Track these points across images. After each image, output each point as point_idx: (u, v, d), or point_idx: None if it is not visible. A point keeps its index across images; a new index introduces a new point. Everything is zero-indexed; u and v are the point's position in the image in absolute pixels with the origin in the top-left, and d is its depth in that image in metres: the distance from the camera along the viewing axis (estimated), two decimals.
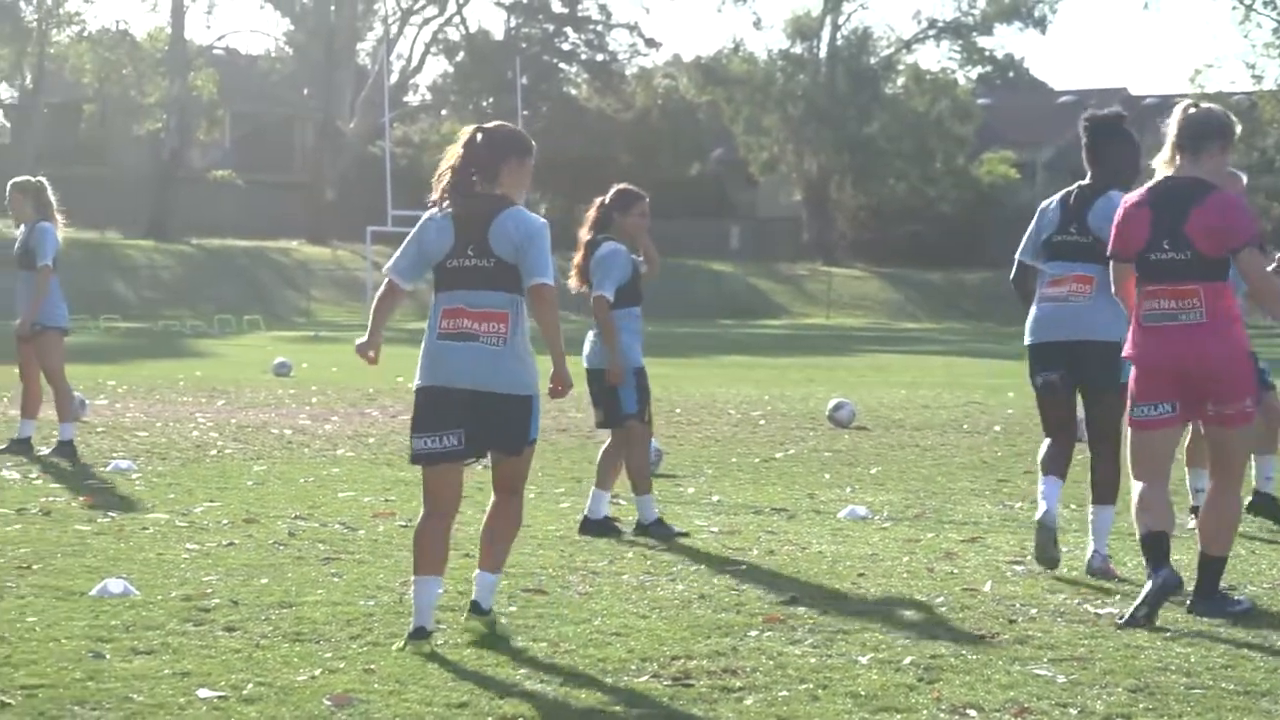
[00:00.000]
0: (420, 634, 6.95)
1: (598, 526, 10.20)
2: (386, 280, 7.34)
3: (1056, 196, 9.17)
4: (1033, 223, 9.14)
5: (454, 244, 7.15)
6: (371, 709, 5.98)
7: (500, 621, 7.24)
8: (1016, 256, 9.17)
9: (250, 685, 6.24)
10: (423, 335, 7.24)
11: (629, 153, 74.34)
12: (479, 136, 7.30)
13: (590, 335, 10.42)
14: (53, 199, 14.09)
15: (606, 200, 10.43)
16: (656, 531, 10.10)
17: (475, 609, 7.17)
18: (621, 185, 10.70)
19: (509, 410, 7.09)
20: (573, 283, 10.41)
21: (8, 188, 14.19)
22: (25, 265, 13.94)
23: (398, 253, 7.28)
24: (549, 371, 7.20)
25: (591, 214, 10.43)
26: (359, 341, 7.43)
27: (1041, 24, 78.80)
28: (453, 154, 7.30)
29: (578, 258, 10.36)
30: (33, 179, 14.30)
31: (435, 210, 7.26)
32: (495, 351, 7.06)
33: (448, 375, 7.08)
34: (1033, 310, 9.07)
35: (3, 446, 14.04)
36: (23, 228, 14.09)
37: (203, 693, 6.12)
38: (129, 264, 60.01)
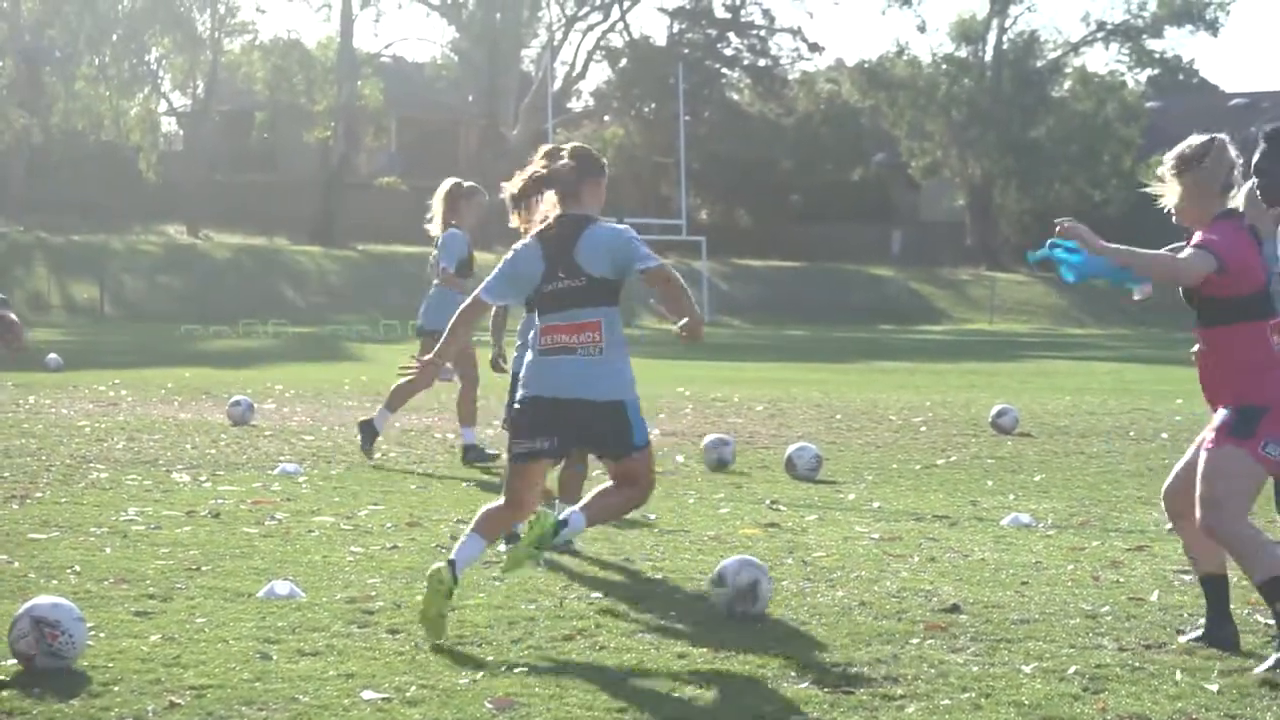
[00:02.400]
0: (452, 566, 7.26)
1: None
2: (475, 299, 7.73)
3: None
4: None
5: (545, 269, 7.55)
6: (532, 712, 6.01)
7: (536, 555, 7.42)
8: None
9: (413, 688, 6.31)
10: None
11: (791, 157, 74.18)
12: (561, 157, 7.70)
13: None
14: (470, 206, 14.33)
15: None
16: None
17: (543, 522, 7.34)
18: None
19: (605, 416, 7.45)
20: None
21: (442, 193, 14.41)
22: (461, 274, 14.31)
23: (490, 277, 7.70)
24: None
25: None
26: (425, 357, 7.92)
27: (1213, 26, 77.45)
28: (528, 174, 7.76)
29: None
30: (463, 183, 14.54)
31: (526, 239, 7.69)
32: (590, 361, 7.46)
33: (547, 388, 7.47)
34: None
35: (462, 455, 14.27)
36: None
37: (367, 694, 6.19)
38: (297, 269, 60.90)
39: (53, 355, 27.46)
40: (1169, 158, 7.43)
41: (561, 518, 7.42)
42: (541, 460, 7.55)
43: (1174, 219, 7.51)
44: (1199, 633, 7.36)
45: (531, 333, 7.77)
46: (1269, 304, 7.23)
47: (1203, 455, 7.15)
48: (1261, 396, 7.07)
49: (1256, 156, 8.15)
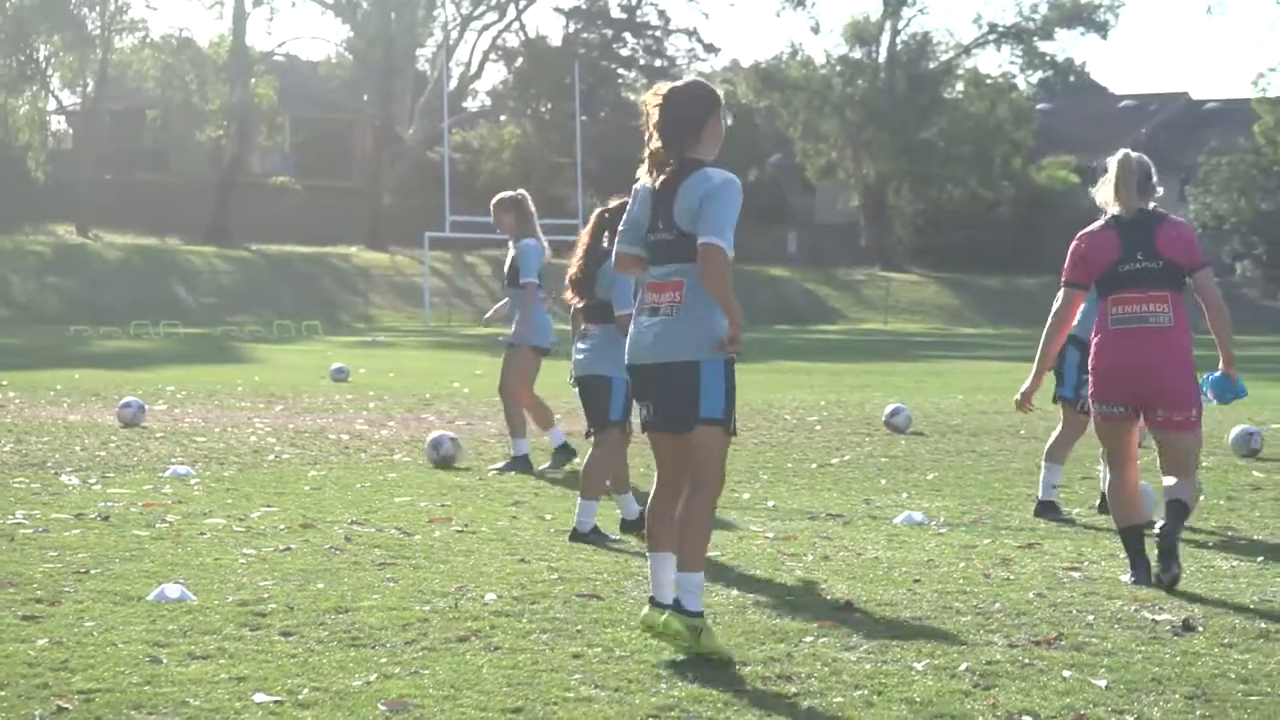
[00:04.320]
0: (654, 603, 6.98)
1: (586, 538, 10.10)
2: (617, 252, 7.26)
3: None
4: None
5: (650, 217, 7.09)
6: (426, 714, 5.99)
7: (707, 630, 6.85)
8: None
9: (306, 690, 6.27)
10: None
11: None
12: (696, 97, 7.09)
13: (578, 344, 10.41)
14: (533, 211, 14.14)
15: (608, 210, 10.24)
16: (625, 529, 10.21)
17: (676, 607, 6.86)
18: (624, 198, 10.59)
19: (673, 380, 6.97)
20: (568, 295, 10.29)
21: (492, 203, 14.23)
22: (512, 282, 14.11)
23: (621, 226, 7.24)
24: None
25: (593, 221, 10.34)
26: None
27: (1103, 29, 78.42)
28: (654, 118, 7.06)
29: (575, 269, 10.18)
30: (515, 193, 14.29)
31: (642, 179, 7.18)
32: (669, 322, 6.99)
33: (635, 353, 7.11)
34: None
35: (502, 465, 13.92)
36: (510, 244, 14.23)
37: (258, 697, 6.15)
38: (190, 269, 60.39)
39: None
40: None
41: (687, 607, 6.81)
42: (654, 431, 7.11)
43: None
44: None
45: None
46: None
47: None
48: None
49: None
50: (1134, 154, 8.95)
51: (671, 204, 7.00)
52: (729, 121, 7.22)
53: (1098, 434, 9.14)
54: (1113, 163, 8.96)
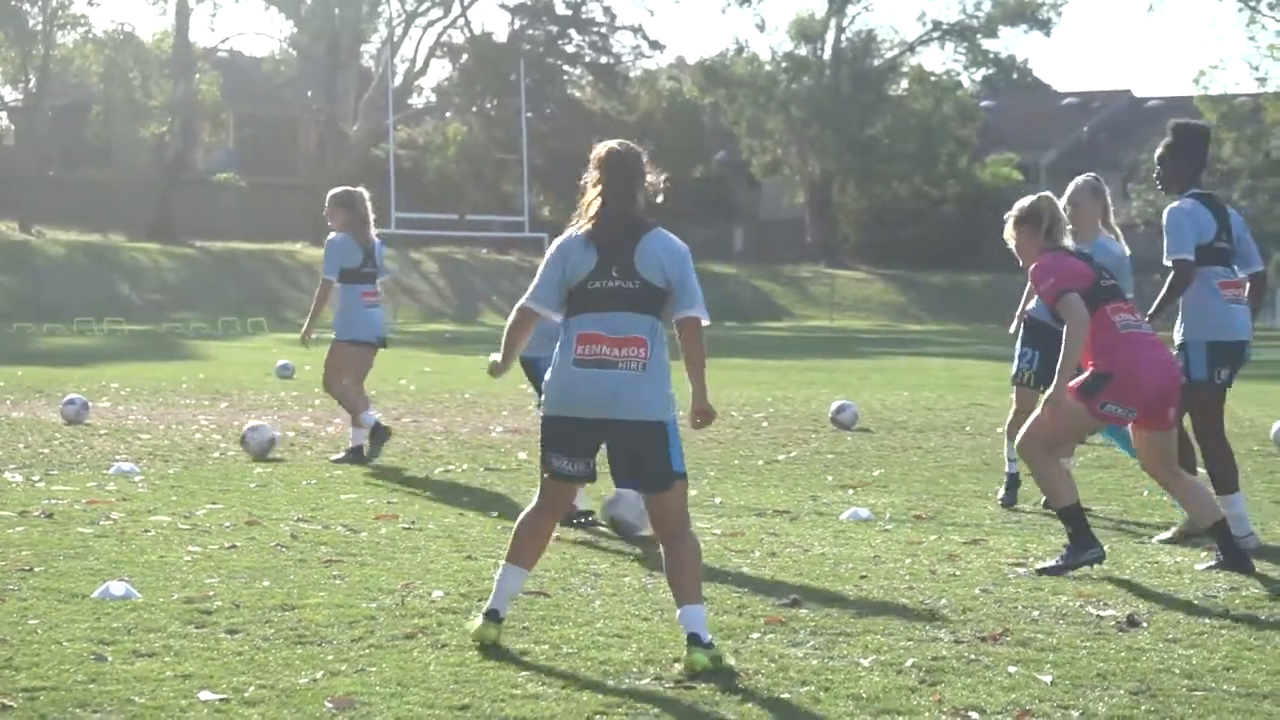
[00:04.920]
0: (493, 617, 7.03)
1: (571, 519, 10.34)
2: (522, 309, 7.10)
3: (1194, 202, 10.14)
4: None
5: (596, 265, 6.95)
6: (373, 711, 5.98)
7: (726, 658, 6.73)
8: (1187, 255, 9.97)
9: (252, 688, 6.25)
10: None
11: None
12: (638, 158, 7.16)
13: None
14: (368, 211, 14.34)
15: None
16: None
17: (695, 641, 6.73)
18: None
19: (643, 438, 6.90)
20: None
21: (326, 198, 14.45)
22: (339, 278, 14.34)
23: (537, 280, 7.04)
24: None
25: None
26: (494, 360, 7.28)
27: (1046, 26, 78.79)
28: (604, 177, 7.08)
29: None
30: (351, 189, 14.52)
31: (570, 231, 7.09)
32: (633, 377, 6.90)
33: (581, 406, 6.91)
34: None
35: (339, 456, 14.24)
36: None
37: (204, 695, 6.12)
38: (133, 266, 60.02)
39: None
40: (1009, 216, 9.41)
41: (692, 631, 6.74)
42: (575, 481, 7.10)
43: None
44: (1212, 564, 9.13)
45: (561, 337, 7.05)
46: (1104, 293, 9.03)
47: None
48: (1108, 366, 8.93)
49: (1159, 149, 10.33)
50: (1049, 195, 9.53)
51: (631, 255, 6.95)
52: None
53: (1079, 430, 9.41)
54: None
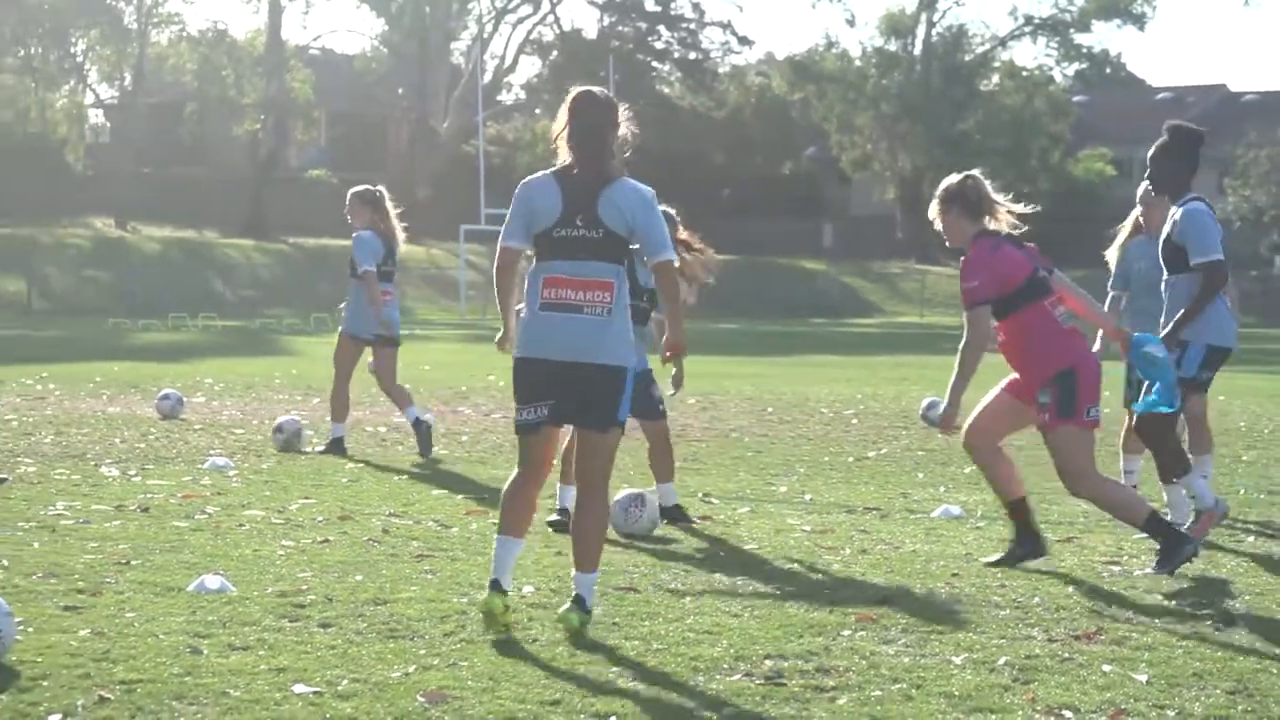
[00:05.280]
0: (496, 587, 7.18)
1: (669, 513, 10.47)
2: (502, 250, 7.29)
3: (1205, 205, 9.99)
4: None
5: (562, 212, 7.13)
6: (465, 706, 6.00)
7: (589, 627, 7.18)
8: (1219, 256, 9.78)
9: (345, 681, 6.28)
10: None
11: (721, 151, 74.33)
12: (610, 107, 7.27)
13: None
14: (390, 207, 14.60)
15: None
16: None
17: (578, 604, 7.15)
18: None
19: (602, 382, 7.10)
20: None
21: (348, 196, 14.70)
22: (351, 273, 14.61)
23: (508, 221, 7.23)
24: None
25: None
26: (498, 339, 7.59)
27: (1140, 20, 78.06)
28: (572, 124, 7.22)
29: None
30: (372, 187, 14.77)
31: (538, 173, 7.28)
32: (599, 322, 7.08)
33: (546, 347, 7.11)
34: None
35: (321, 448, 14.52)
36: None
37: (298, 688, 6.17)
38: (227, 262, 60.56)
39: None
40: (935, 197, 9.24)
41: (578, 593, 7.14)
42: (544, 428, 7.23)
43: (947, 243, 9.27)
44: (1000, 556, 9.07)
45: (528, 284, 7.27)
46: (1042, 285, 8.99)
47: (1047, 437, 9.00)
48: (1065, 360, 8.80)
49: (1153, 150, 9.99)
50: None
51: (594, 203, 7.11)
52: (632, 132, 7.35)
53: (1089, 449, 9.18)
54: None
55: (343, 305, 14.86)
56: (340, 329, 14.87)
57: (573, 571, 7.27)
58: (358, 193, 14.67)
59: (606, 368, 7.08)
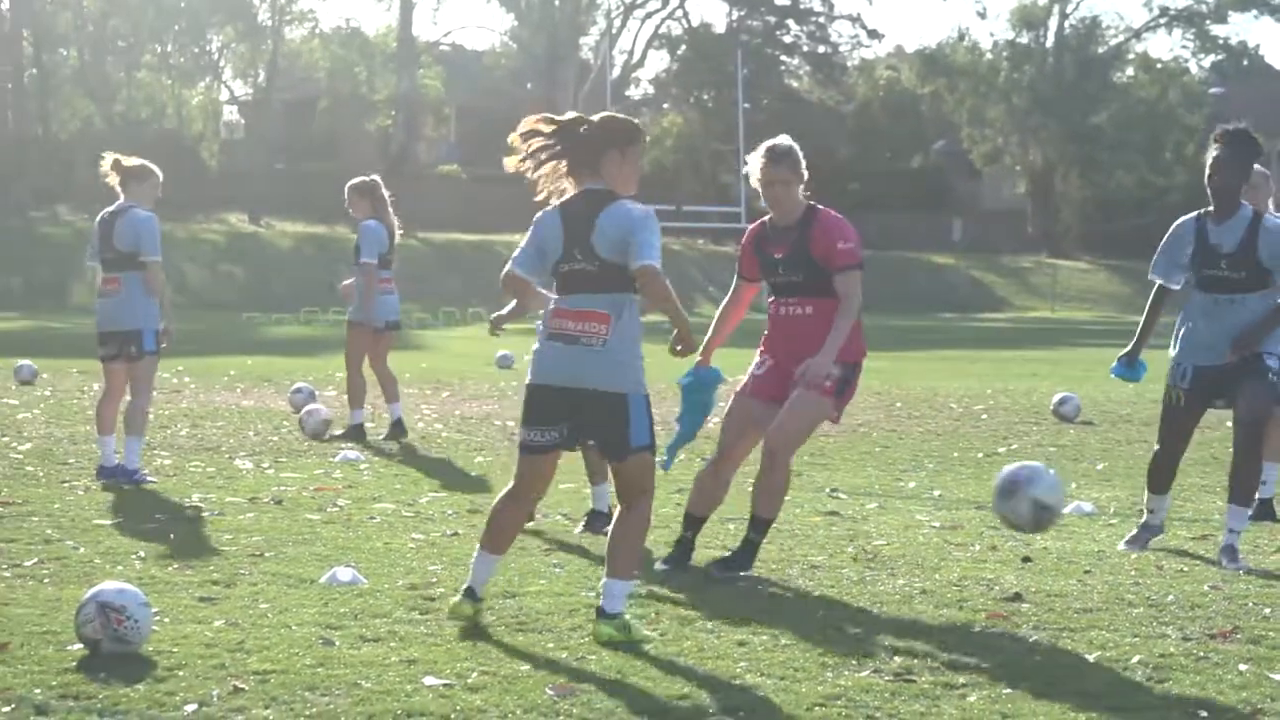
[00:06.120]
0: (470, 595, 7.15)
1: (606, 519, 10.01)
2: (507, 274, 7.29)
3: None
4: None
5: (563, 247, 7.11)
6: (594, 699, 6.02)
7: (633, 624, 7.00)
8: None
9: (475, 674, 6.32)
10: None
11: (850, 145, 73.98)
12: (580, 129, 7.21)
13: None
14: (386, 195, 15.06)
15: None
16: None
17: (600, 614, 7.01)
18: None
19: (606, 408, 7.03)
20: None
21: (346, 189, 15.13)
22: (355, 261, 15.03)
23: (521, 245, 7.26)
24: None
25: None
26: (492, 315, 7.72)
27: (1278, 11, 76.81)
28: (539, 140, 7.22)
29: None
30: (367, 178, 15.20)
31: (549, 208, 7.25)
32: (595, 351, 7.02)
33: (549, 374, 7.11)
34: None
35: (339, 433, 14.88)
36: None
37: (429, 680, 6.21)
38: None
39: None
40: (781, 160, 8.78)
41: (600, 605, 7.02)
42: (549, 452, 7.22)
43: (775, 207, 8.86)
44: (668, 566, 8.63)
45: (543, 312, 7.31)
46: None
47: (803, 397, 8.43)
48: (853, 354, 8.57)
49: (1212, 160, 9.45)
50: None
51: (589, 234, 7.05)
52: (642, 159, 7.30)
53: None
54: None
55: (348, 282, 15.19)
56: (348, 318, 15.21)
57: (603, 579, 7.16)
58: (355, 185, 15.03)
59: (602, 393, 7.02)
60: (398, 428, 14.88)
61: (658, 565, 8.65)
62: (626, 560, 7.12)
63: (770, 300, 8.90)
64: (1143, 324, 9.88)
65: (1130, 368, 10.04)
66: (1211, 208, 9.47)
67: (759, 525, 8.68)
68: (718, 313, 9.20)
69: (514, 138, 7.29)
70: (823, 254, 8.64)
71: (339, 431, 14.91)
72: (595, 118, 7.29)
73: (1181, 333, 9.71)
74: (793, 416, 8.53)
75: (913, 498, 11.74)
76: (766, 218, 9.01)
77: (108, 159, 12.01)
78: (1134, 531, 9.75)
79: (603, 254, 7.04)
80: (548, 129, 7.24)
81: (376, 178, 15.22)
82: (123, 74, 69.41)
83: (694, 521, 8.84)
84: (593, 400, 7.05)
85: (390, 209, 15.04)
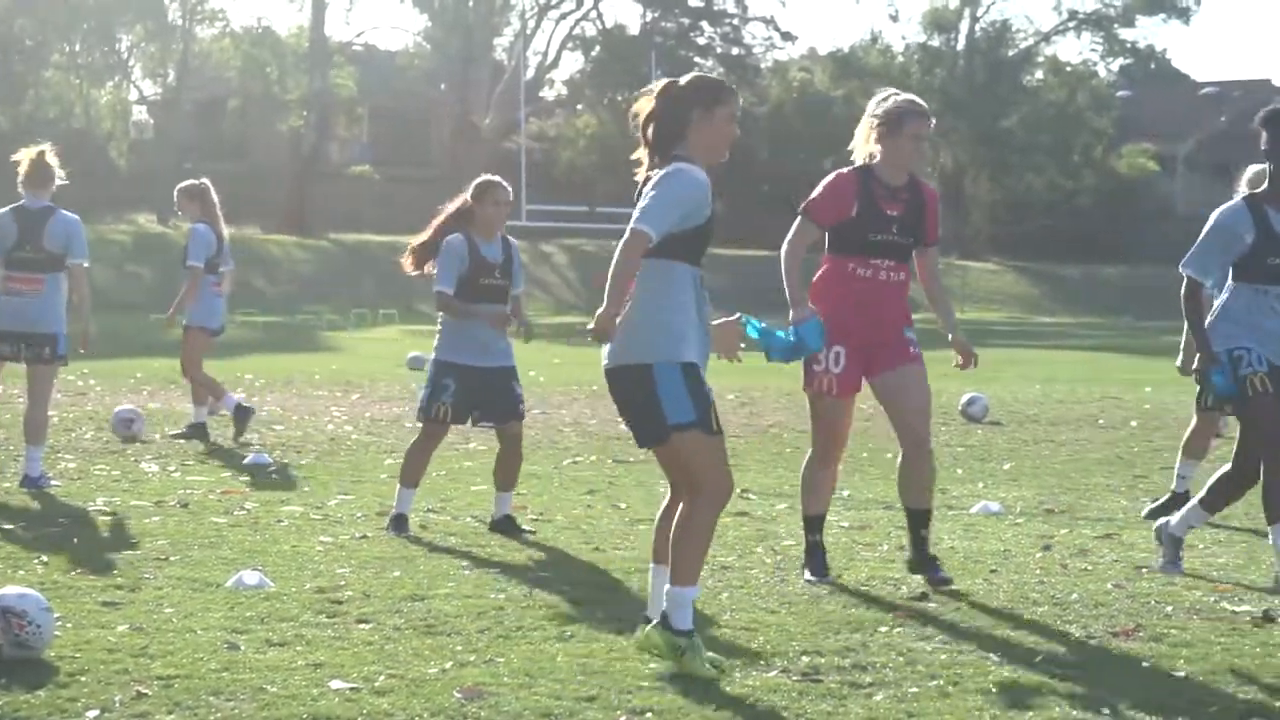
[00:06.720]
0: (645, 621, 6.72)
1: (499, 525, 10.00)
2: (637, 232, 6.34)
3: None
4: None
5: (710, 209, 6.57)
6: (501, 702, 6.00)
7: (692, 650, 6.37)
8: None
9: (382, 677, 6.29)
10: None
11: (764, 146, 74.16)
12: (651, 95, 6.71)
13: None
14: (216, 200, 15.00)
15: (468, 192, 10.18)
16: (391, 527, 9.86)
17: (661, 621, 6.48)
18: (484, 176, 10.36)
19: (629, 386, 6.44)
20: (406, 263, 10.27)
21: (175, 192, 15.12)
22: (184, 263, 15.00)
23: (653, 205, 6.39)
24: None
25: (452, 205, 10.25)
26: (605, 315, 6.32)
27: (1184, 15, 77.61)
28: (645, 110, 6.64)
29: (419, 239, 10.24)
30: (197, 181, 15.19)
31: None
32: (624, 321, 6.38)
33: (604, 354, 6.52)
34: None
35: (179, 431, 14.91)
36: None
37: (335, 684, 6.18)
38: (268, 258, 60.71)
39: None
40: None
41: (675, 625, 6.36)
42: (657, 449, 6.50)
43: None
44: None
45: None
46: None
47: (915, 373, 8.51)
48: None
49: (1266, 145, 8.33)
50: None
51: (639, 199, 6.51)
52: (735, 116, 6.67)
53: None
54: None
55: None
56: (185, 322, 15.12)
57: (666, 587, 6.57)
58: (184, 188, 15.08)
59: (626, 369, 6.43)
60: (198, 430, 14.73)
61: (806, 578, 8.39)
62: (684, 566, 6.41)
63: (845, 260, 8.46)
64: (1198, 324, 8.48)
65: (1222, 374, 8.37)
66: (1258, 191, 8.46)
67: (924, 519, 8.41)
68: (793, 260, 8.48)
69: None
70: (930, 223, 8.51)
71: (177, 431, 14.98)
72: (680, 79, 6.79)
73: (1235, 332, 8.36)
74: (923, 395, 8.51)
75: None
76: (852, 168, 8.59)
77: (46, 152, 11.77)
78: None
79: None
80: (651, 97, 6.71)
81: (206, 181, 15.24)
82: (30, 73, 68.62)
83: (816, 523, 8.63)
84: (617, 377, 6.44)
85: (220, 213, 15.05)
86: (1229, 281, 8.43)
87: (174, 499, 10.90)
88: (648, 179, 6.59)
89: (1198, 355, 8.44)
